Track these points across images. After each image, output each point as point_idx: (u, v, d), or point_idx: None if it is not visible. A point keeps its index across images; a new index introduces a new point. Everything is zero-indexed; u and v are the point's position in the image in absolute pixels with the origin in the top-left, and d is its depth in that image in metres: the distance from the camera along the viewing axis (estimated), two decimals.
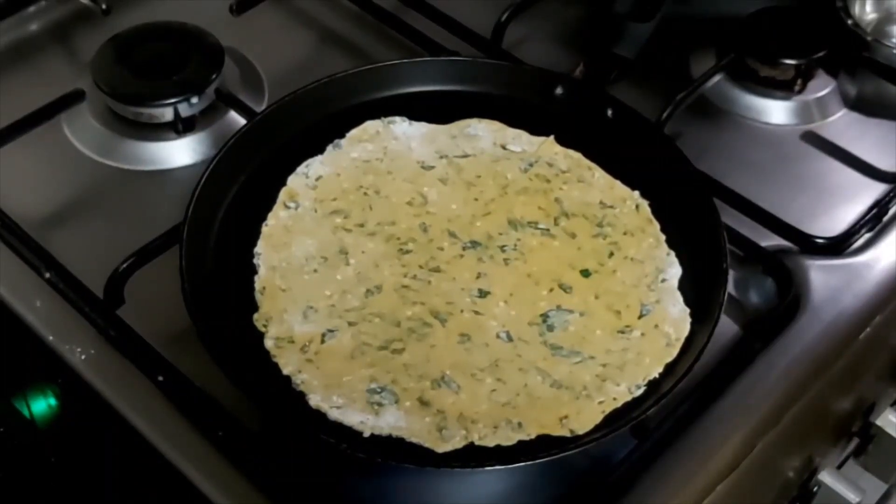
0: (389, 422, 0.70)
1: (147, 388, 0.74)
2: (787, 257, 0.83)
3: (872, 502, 0.85)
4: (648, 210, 0.83)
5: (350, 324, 0.75)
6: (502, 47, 0.97)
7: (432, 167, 0.85)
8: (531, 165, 0.85)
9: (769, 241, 0.85)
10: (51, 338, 0.77)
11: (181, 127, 0.92)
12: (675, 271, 0.79)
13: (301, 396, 0.71)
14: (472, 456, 0.69)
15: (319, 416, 0.70)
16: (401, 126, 0.88)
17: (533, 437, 0.69)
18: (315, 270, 0.78)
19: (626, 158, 0.85)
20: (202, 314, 0.72)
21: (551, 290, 0.78)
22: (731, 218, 0.84)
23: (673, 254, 0.80)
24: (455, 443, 0.69)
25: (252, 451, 0.71)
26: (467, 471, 0.71)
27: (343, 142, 0.86)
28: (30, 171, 0.90)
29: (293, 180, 0.83)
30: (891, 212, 0.88)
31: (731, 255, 0.78)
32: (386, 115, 0.88)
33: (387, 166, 0.85)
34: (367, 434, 0.69)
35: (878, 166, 0.93)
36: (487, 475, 0.73)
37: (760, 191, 0.88)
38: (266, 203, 0.82)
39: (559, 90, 0.90)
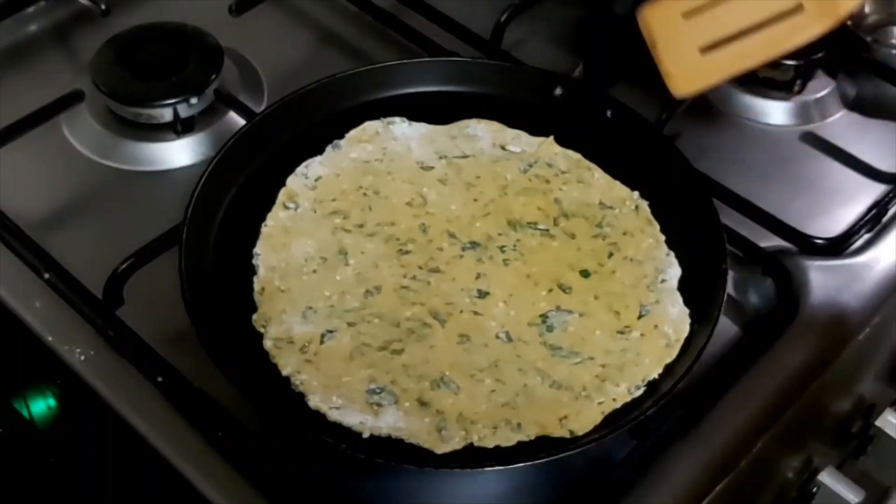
0: (389, 422, 0.70)
1: (146, 388, 0.74)
2: (786, 258, 0.83)
3: (872, 503, 0.85)
4: (648, 210, 0.83)
5: (349, 324, 0.75)
6: (502, 48, 0.97)
7: (432, 168, 0.85)
8: (531, 166, 0.85)
9: (768, 241, 0.85)
10: (50, 338, 0.77)
11: (180, 127, 0.92)
12: (674, 272, 0.79)
13: (300, 397, 0.71)
14: (472, 457, 0.69)
15: (319, 416, 0.70)
16: (400, 127, 0.88)
17: (532, 437, 0.70)
18: (314, 271, 0.78)
19: (625, 159, 0.85)
20: (201, 315, 0.72)
21: (551, 290, 0.78)
22: (731, 218, 0.84)
23: (672, 254, 0.80)
24: (454, 443, 0.69)
25: (251, 452, 0.71)
26: (467, 471, 0.71)
27: (342, 142, 0.86)
28: (29, 171, 0.90)
29: (292, 181, 0.83)
30: (890, 212, 0.88)
31: (730, 255, 0.78)
32: (385, 116, 0.88)
33: (386, 167, 0.85)
34: (366, 435, 0.69)
35: (878, 167, 0.93)
36: (487, 476, 0.73)
37: (760, 191, 0.88)
38: (265, 203, 0.82)
39: (559, 91, 0.90)
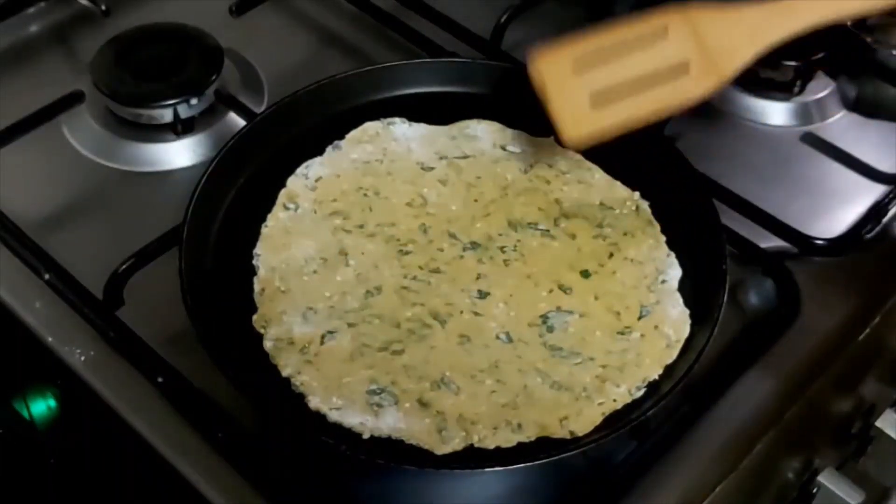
0: (389, 423, 0.70)
1: (147, 389, 0.74)
2: (786, 258, 0.83)
3: None
4: (648, 211, 0.83)
5: (350, 325, 0.75)
6: (502, 48, 0.97)
7: (432, 168, 0.85)
8: (531, 166, 0.85)
9: (769, 242, 0.85)
10: (50, 339, 0.78)
11: (180, 128, 0.92)
12: (674, 272, 0.79)
13: (300, 398, 0.71)
14: (472, 457, 0.68)
15: (319, 417, 0.70)
16: (400, 127, 0.88)
17: (533, 438, 0.69)
18: (315, 272, 0.78)
19: (626, 159, 0.85)
20: (201, 316, 0.72)
21: (551, 291, 0.77)
22: (731, 219, 0.84)
23: (673, 255, 0.80)
24: (455, 444, 0.69)
25: (251, 453, 0.71)
26: (467, 472, 0.71)
27: (342, 143, 0.86)
28: (29, 172, 0.90)
29: (292, 182, 0.83)
30: (890, 213, 0.88)
31: (730, 256, 0.78)
32: (385, 117, 0.88)
33: (386, 167, 0.85)
34: (366, 436, 0.69)
35: (878, 167, 0.93)
36: (487, 477, 0.73)
37: (760, 192, 0.88)
38: (265, 204, 0.82)
39: None
